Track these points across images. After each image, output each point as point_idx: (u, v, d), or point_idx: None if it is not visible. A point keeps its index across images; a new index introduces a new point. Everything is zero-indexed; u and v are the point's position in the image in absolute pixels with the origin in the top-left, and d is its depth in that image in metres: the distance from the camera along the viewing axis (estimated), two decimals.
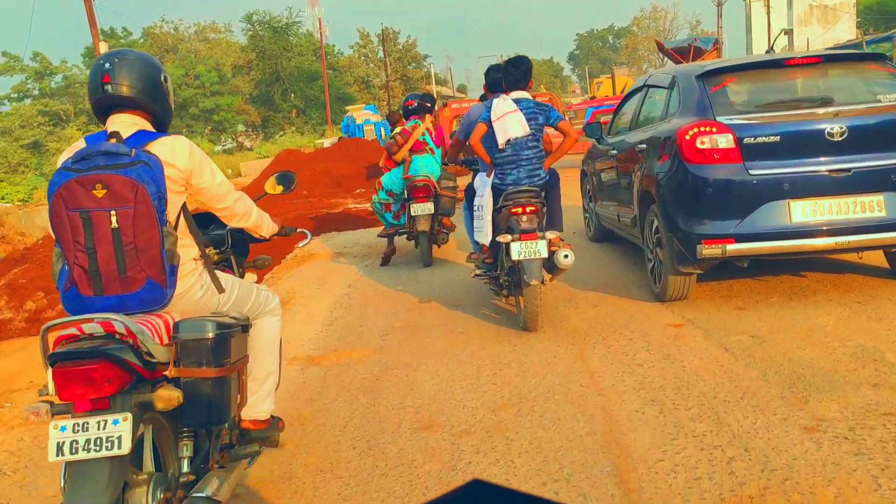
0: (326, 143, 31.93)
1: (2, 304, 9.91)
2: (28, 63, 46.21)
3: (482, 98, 6.81)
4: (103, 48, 21.18)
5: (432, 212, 7.86)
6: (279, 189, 3.72)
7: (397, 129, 8.36)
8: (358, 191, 16.66)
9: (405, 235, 8.43)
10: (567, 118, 16.22)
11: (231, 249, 3.33)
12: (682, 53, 17.65)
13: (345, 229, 11.13)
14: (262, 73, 52.52)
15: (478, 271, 5.61)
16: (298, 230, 3.50)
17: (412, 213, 7.85)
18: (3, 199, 19.38)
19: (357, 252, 9.22)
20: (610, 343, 4.63)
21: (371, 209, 8.72)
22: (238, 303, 2.91)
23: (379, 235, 8.83)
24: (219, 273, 2.86)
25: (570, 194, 9.72)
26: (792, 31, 51.06)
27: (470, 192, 5.87)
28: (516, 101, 5.16)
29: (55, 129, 29.45)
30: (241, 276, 3.49)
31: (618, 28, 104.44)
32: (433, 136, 8.32)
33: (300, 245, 3.59)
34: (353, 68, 60.45)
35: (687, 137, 4.91)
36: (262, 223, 3.11)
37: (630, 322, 5.03)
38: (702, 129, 4.88)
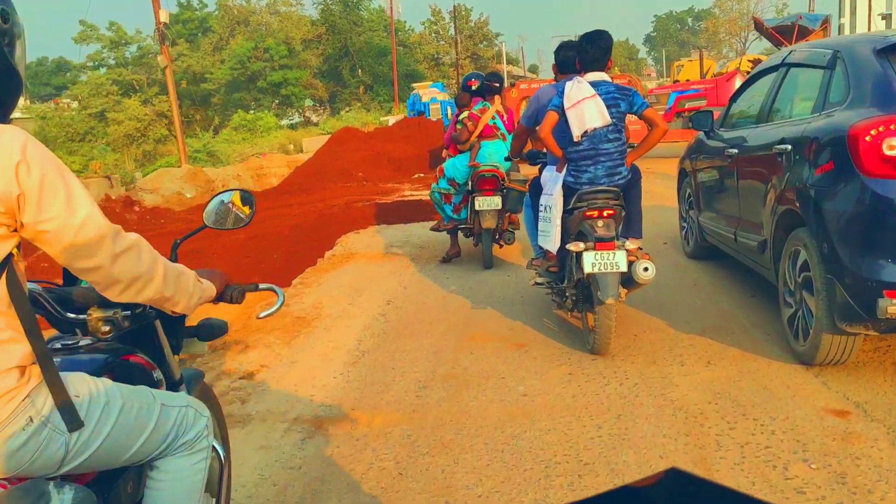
0: (391, 120, 30.71)
1: None
2: (104, 33, 46.32)
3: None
4: (163, 17, 20.32)
5: (499, 207, 6.69)
6: (246, 210, 2.36)
7: (464, 114, 7.01)
8: (416, 175, 15.31)
9: (464, 232, 7.20)
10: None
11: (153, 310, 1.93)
12: (784, 34, 15.64)
13: (396, 222, 9.77)
14: (331, 47, 51.53)
15: (539, 280, 4.82)
16: (263, 287, 2.09)
17: (476, 207, 6.71)
18: None
19: (406, 251, 7.85)
20: (742, 438, 3.13)
21: (429, 199, 7.48)
22: (115, 442, 1.56)
23: (432, 229, 7.52)
24: (77, 382, 1.52)
25: (651, 191, 8.15)
26: (890, 15, 47.25)
27: (536, 188, 4.99)
28: (594, 85, 4.31)
29: (122, 99, 29.07)
30: (176, 353, 2.15)
31: (698, 10, 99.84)
32: (504, 119, 6.93)
33: (260, 316, 2.15)
34: (423, 45, 58.98)
35: (867, 139, 3.33)
36: (175, 292, 1.65)
37: (767, 400, 3.50)
38: (892, 126, 3.31)
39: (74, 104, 37.65)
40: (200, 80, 46.21)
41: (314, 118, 51.74)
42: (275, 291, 2.04)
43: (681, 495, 0.51)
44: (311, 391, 4.06)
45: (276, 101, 49.00)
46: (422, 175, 15.21)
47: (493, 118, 6.94)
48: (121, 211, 11.52)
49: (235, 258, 9.24)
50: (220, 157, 23.80)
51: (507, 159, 6.26)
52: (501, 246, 7.24)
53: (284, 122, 47.88)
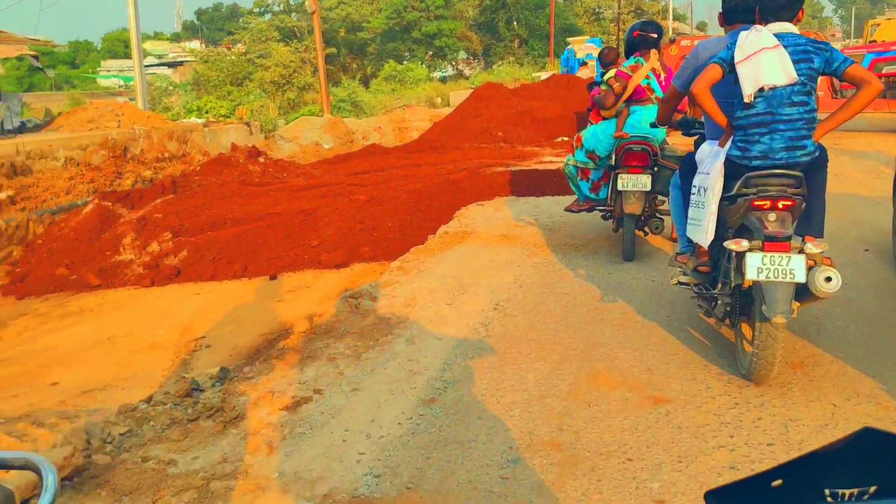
0: (544, 76, 29.00)
1: (128, 241, 8.59)
2: None
3: None
4: None
5: (648, 188, 5.41)
6: None
7: (610, 73, 5.67)
8: (559, 139, 13.83)
9: (602, 214, 6.01)
10: None
11: None
12: None
13: (527, 194, 8.49)
14: None
15: (683, 279, 3.84)
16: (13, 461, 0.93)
17: (619, 187, 5.49)
18: (205, 112, 18.82)
19: (531, 234, 6.58)
20: None
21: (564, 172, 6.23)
22: None
23: (567, 209, 6.23)
24: None
25: (841, 174, 6.41)
26: None
27: (688, 165, 3.93)
28: (778, 37, 3.28)
29: (272, 46, 29.21)
30: None
31: None
32: (661, 80, 5.51)
33: None
34: None
35: None
36: None
37: None
38: None
39: (241, 48, 38.68)
40: (357, 29, 46.23)
41: (466, 71, 50.62)
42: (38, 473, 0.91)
43: (875, 454, 0.47)
44: (361, 446, 2.97)
45: (430, 53, 48.27)
46: (566, 139, 13.72)
47: (648, 77, 5.50)
48: (244, 161, 10.98)
49: (349, 223, 8.36)
50: (363, 107, 23.27)
51: (652, 125, 4.83)
52: (646, 234, 5.87)
53: (437, 74, 47.14)
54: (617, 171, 5.51)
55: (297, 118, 19.10)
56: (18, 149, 10.77)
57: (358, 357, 3.88)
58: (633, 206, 5.43)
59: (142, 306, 6.74)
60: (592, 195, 5.97)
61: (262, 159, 11.39)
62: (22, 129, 14.41)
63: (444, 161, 11.51)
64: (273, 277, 7.47)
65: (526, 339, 4.05)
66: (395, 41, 46.23)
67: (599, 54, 6.47)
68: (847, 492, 0.48)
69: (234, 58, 32.65)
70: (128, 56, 65.43)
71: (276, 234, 8.22)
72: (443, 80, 42.03)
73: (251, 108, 19.44)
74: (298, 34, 42.99)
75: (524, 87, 18.18)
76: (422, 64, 42.79)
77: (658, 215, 5.72)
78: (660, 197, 5.73)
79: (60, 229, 9.07)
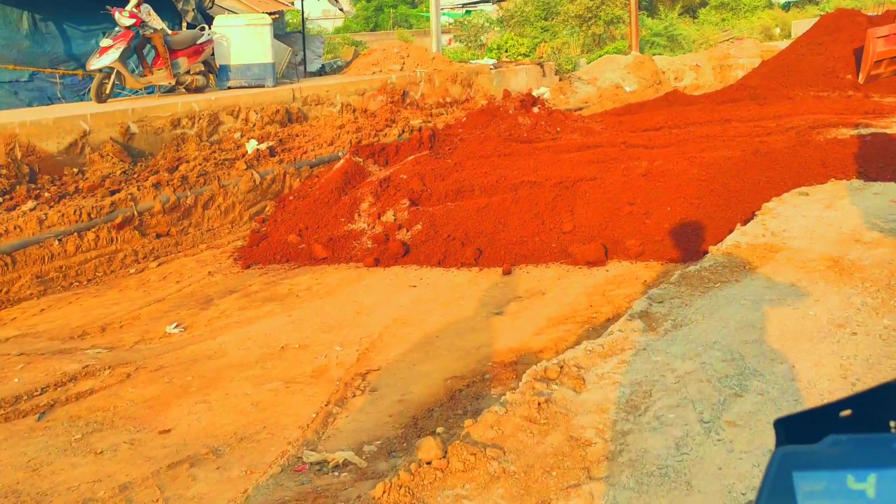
0: None
1: (365, 206, 7.50)
2: None
3: None
4: None
5: None
6: None
7: None
8: None
9: None
10: None
11: None
12: None
13: (886, 177, 5.61)
14: None
15: None
16: None
17: None
18: (504, 51, 17.44)
19: (883, 260, 3.99)
20: None
21: None
22: None
23: None
24: None
25: None
26: None
27: None
28: None
29: None
30: None
31: None
32: None
33: None
34: None
35: None
36: None
37: None
38: None
39: None
40: None
41: None
42: None
43: None
44: None
45: None
46: None
47: None
48: (515, 112, 9.31)
49: (615, 203, 6.33)
50: (682, 42, 20.05)
51: None
52: None
53: None
54: None
55: (599, 56, 16.87)
56: (295, 95, 10.37)
57: None
58: None
59: (347, 298, 5.56)
60: None
61: (536, 109, 9.63)
62: (321, 71, 14.40)
63: (765, 116, 8.66)
64: (507, 272, 5.82)
65: None
66: None
67: None
68: None
69: None
70: None
71: (522, 212, 6.53)
72: (786, 6, 35.78)
73: (553, 45, 17.62)
74: None
75: (891, 13, 13.72)
76: None
77: None
78: None
79: (311, 186, 8.37)
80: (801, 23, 25.94)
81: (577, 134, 9.01)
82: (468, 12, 42.05)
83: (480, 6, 46.93)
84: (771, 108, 8.96)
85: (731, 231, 5.15)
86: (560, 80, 15.32)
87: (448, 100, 12.64)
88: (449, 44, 34.86)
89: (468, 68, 13.18)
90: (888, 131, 7.16)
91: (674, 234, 5.76)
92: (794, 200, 5.24)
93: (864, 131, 7.21)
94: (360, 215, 7.27)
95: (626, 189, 6.45)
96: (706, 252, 4.76)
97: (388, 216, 7.07)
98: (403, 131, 10.25)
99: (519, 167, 7.74)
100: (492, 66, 14.35)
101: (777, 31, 26.00)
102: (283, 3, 15.36)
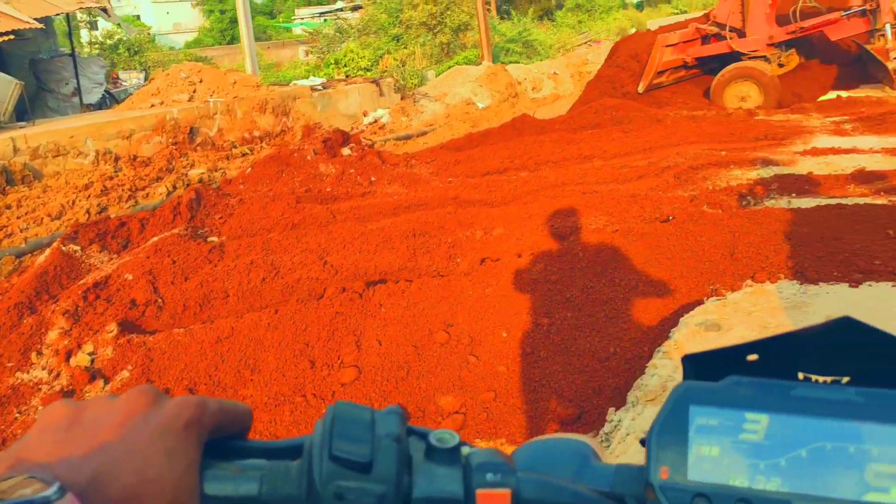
0: None
1: (53, 337, 4.79)
2: None
3: None
4: None
5: None
6: None
7: None
8: (833, 94, 8.14)
9: None
10: None
11: None
12: None
13: (837, 275, 3.46)
14: None
15: None
16: None
17: None
18: (343, 65, 14.86)
19: None
20: None
21: None
22: None
23: None
24: None
25: None
26: None
27: None
28: None
29: None
30: None
31: None
32: None
33: None
34: None
35: None
36: None
37: None
38: None
39: None
40: None
41: None
42: None
43: (851, 345, 0.44)
44: None
45: None
46: (844, 95, 8.02)
47: None
48: (315, 157, 6.77)
49: (427, 324, 3.94)
50: (537, 48, 18.15)
51: None
52: None
53: None
54: None
55: (448, 69, 14.62)
56: (17, 146, 7.37)
57: None
58: None
59: None
60: None
61: (347, 150, 7.14)
62: (102, 103, 11.33)
63: (633, 149, 6.53)
64: None
65: None
66: None
67: None
68: (820, 378, 0.46)
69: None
70: (321, 3, 63.88)
71: (283, 343, 4.05)
72: (639, 6, 35.17)
73: (397, 57, 15.21)
74: None
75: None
76: None
77: None
78: None
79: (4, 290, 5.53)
80: (657, 22, 24.87)
81: (398, 184, 6.60)
82: (326, 21, 38.83)
83: (341, 14, 44.02)
84: (639, 137, 6.85)
85: (598, 393, 2.85)
86: (402, 98, 12.93)
87: (257, 134, 9.95)
88: (306, 56, 31.87)
89: (282, 93, 10.50)
90: (796, 171, 5.14)
91: (511, 387, 3.42)
92: (698, 338, 2.97)
93: (765, 173, 5.16)
94: (41, 353, 4.51)
95: (445, 296, 4.08)
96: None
97: (82, 356, 4.35)
98: (176, 187, 7.48)
99: (303, 249, 5.21)
100: (319, 87, 11.75)
101: (633, 31, 24.85)
102: (58, 7, 12.04)
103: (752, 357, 0.47)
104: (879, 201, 4.22)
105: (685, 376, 0.48)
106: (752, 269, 3.48)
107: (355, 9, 51.39)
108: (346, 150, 7.09)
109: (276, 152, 6.93)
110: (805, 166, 5.24)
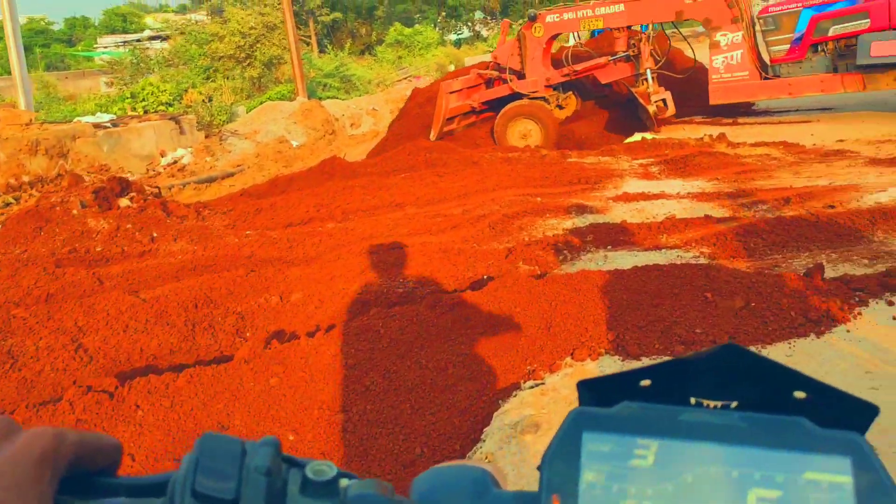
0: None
1: None
2: None
3: None
4: None
5: None
6: None
7: None
8: (637, 136, 8.30)
9: None
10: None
11: None
12: None
13: (658, 347, 3.13)
14: None
15: None
16: None
17: None
18: (140, 100, 13.50)
19: None
20: None
21: None
22: None
23: None
24: None
25: None
26: None
27: None
28: None
29: (234, 9, 23.23)
30: None
31: None
32: None
33: None
34: None
35: None
36: None
37: None
38: None
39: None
40: None
41: (484, 32, 44.54)
42: None
43: (736, 370, 0.45)
44: None
45: (443, 14, 42.24)
46: (648, 136, 8.21)
47: None
48: (83, 212, 5.71)
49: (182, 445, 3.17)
50: (356, 83, 17.72)
51: None
52: None
53: (452, 37, 41.22)
54: None
55: (259, 104, 13.74)
56: None
57: None
58: None
59: None
60: None
61: (126, 201, 6.13)
62: None
63: (448, 195, 6.14)
64: None
65: None
66: (405, 2, 40.17)
67: None
68: (711, 403, 0.46)
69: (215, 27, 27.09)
70: (126, 31, 59.75)
71: None
72: (457, 43, 36.19)
73: (203, 91, 14.07)
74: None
75: (463, 70, 12.30)
76: (434, 27, 36.97)
77: None
78: None
79: None
80: (474, 58, 25.49)
81: (185, 241, 5.73)
82: (131, 50, 35.90)
83: (148, 44, 41.26)
84: (454, 182, 6.49)
85: None
86: (207, 136, 11.86)
87: (26, 179, 8.53)
88: (109, 88, 29.25)
89: (57, 131, 9.12)
90: (610, 219, 4.94)
91: None
92: (513, 444, 2.47)
93: (580, 222, 4.92)
94: None
95: (221, 391, 3.32)
96: None
97: None
98: None
99: (54, 329, 4.19)
100: (106, 124, 10.42)
101: (452, 67, 25.29)
102: None
103: (646, 382, 0.47)
104: (692, 254, 4.05)
105: (581, 402, 0.48)
106: (572, 343, 3.08)
107: (164, 39, 48.61)
108: (124, 201, 6.09)
109: (34, 205, 5.77)
110: (618, 213, 5.07)
